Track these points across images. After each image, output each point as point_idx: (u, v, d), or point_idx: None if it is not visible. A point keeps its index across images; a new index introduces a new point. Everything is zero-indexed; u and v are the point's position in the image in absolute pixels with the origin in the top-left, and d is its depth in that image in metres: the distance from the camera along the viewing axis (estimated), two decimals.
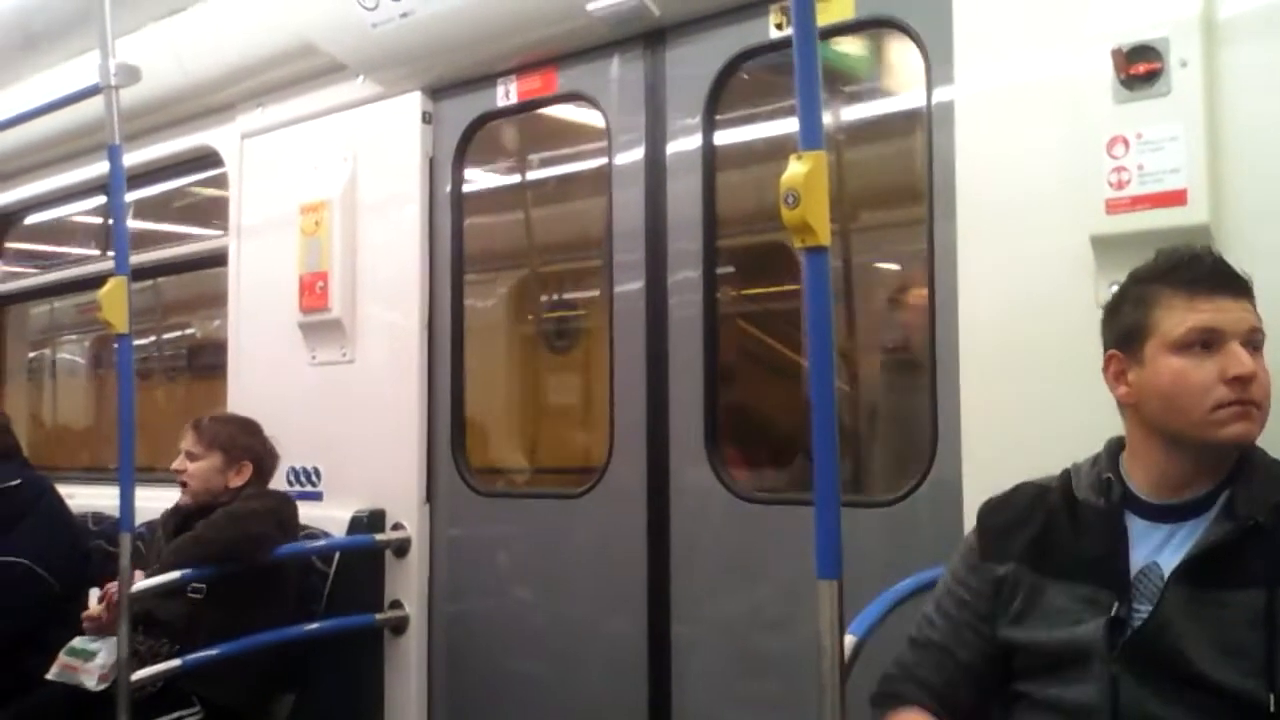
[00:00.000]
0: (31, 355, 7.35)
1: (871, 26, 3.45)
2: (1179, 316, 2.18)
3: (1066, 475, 2.38)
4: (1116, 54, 2.69)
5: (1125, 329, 2.28)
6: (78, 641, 3.94)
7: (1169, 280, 2.22)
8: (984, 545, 2.40)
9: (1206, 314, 2.16)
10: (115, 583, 3.75)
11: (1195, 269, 2.21)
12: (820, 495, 2.20)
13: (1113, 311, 2.34)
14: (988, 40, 3.04)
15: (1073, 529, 2.29)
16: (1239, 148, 2.60)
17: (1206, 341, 2.16)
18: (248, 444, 4.16)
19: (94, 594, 3.96)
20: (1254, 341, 2.17)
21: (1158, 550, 2.20)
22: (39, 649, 4.09)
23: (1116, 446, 2.34)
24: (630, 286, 3.88)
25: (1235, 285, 2.19)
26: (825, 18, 3.29)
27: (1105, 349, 2.33)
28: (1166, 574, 2.16)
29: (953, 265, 3.06)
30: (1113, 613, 2.15)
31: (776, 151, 2.67)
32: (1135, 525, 2.24)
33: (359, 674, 4.31)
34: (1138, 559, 2.20)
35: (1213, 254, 2.25)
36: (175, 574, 3.80)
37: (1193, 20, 2.64)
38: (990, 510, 2.44)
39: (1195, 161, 2.61)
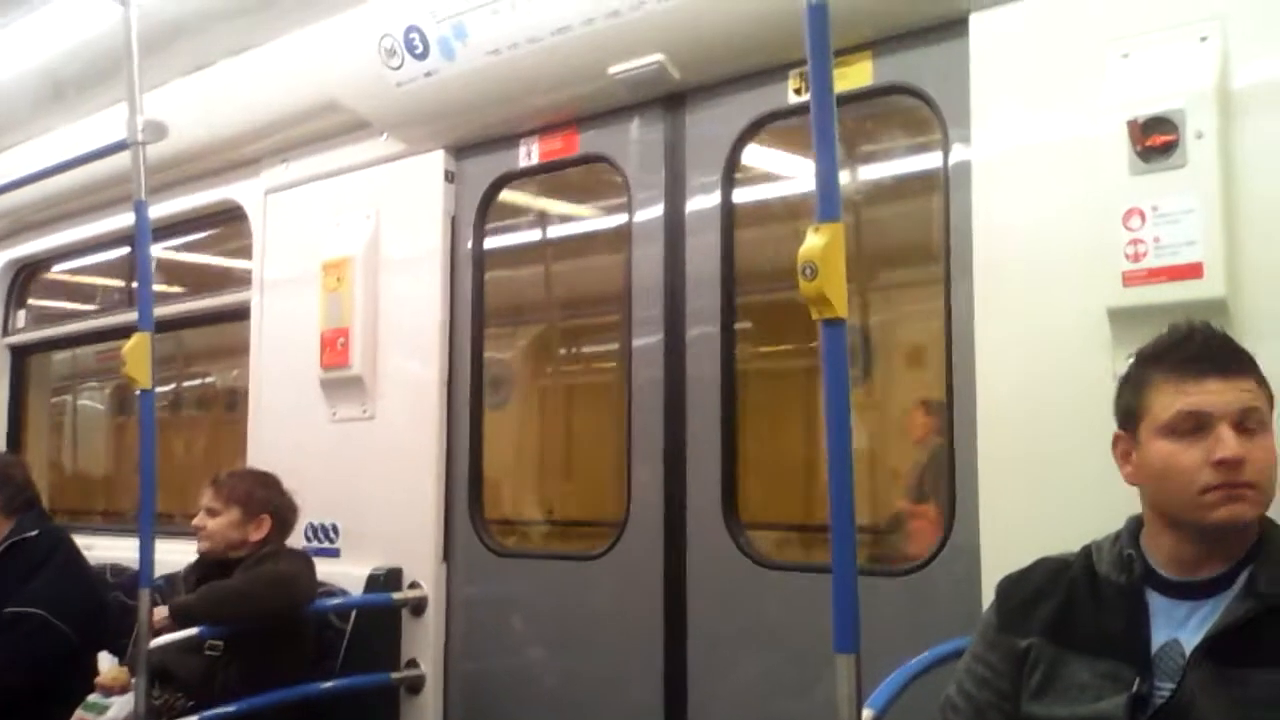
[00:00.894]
0: (53, 401, 7.39)
1: (889, 93, 3.45)
2: (1167, 400, 2.19)
3: (1087, 551, 2.37)
4: (1132, 125, 2.70)
5: (1124, 410, 2.30)
6: (93, 697, 3.94)
7: (1161, 362, 2.24)
8: (1004, 619, 2.38)
9: (1193, 397, 2.16)
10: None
11: (1185, 350, 2.22)
12: (838, 569, 2.20)
13: (1118, 391, 2.35)
14: (1004, 110, 3.05)
15: (1094, 604, 2.28)
16: (1256, 220, 2.59)
17: (1194, 425, 2.15)
18: (265, 498, 4.15)
19: (104, 657, 3.96)
20: (1248, 423, 2.15)
21: (1179, 627, 2.18)
22: (56, 701, 4.10)
23: (1136, 524, 2.32)
24: (648, 341, 3.88)
25: (1227, 365, 2.19)
26: (843, 84, 3.29)
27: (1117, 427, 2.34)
28: (1188, 651, 2.14)
29: (970, 332, 3.05)
30: (1134, 689, 2.13)
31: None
32: (1156, 602, 2.22)
33: None
34: (1159, 636, 2.19)
35: (1206, 333, 2.26)
36: (194, 630, 3.79)
37: (1208, 92, 2.64)
38: (1010, 584, 2.43)
39: (1212, 234, 2.60)
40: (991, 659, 2.37)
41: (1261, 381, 2.20)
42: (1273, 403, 2.21)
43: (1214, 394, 2.15)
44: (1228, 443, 2.11)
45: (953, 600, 3.02)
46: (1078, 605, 2.29)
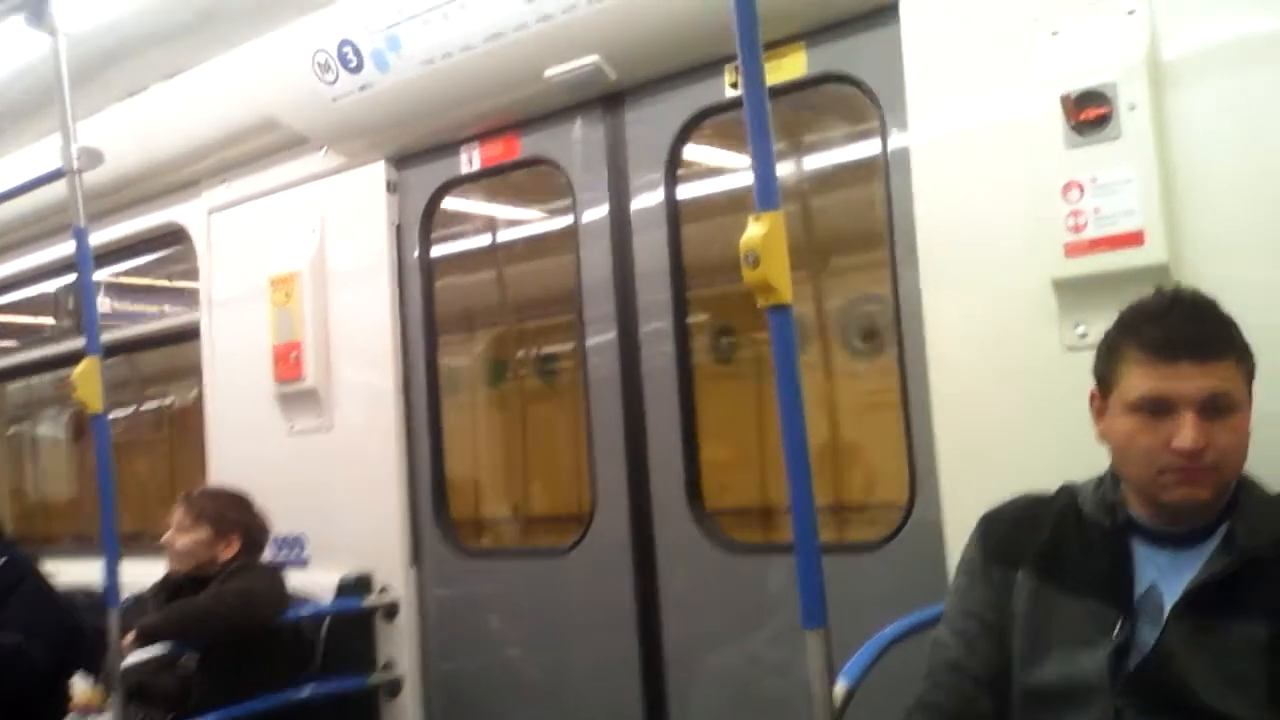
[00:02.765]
0: (13, 431, 7.35)
1: (823, 82, 3.49)
2: (1136, 379, 2.18)
3: (1070, 491, 2.39)
4: (1066, 100, 2.75)
5: (1099, 374, 2.30)
6: (71, 718, 3.95)
7: (1137, 336, 2.21)
8: (989, 552, 2.39)
9: (1161, 382, 2.14)
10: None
11: (1162, 327, 2.18)
12: (800, 547, 2.24)
13: (1098, 349, 2.33)
14: (939, 93, 3.10)
15: (1081, 543, 2.30)
16: (1193, 186, 2.66)
17: (1159, 408, 2.15)
18: (237, 518, 4.15)
19: (78, 679, 3.97)
20: (1217, 404, 2.13)
21: (1159, 574, 2.21)
22: None
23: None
24: (602, 339, 3.92)
25: (1203, 348, 2.15)
26: (777, 76, 3.36)
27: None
28: (1168, 599, 2.17)
29: (919, 313, 3.11)
30: (1114, 634, 2.17)
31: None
32: (1139, 547, 2.25)
33: None
34: (1141, 580, 2.22)
35: (1188, 307, 2.21)
36: (167, 646, 3.80)
37: (1138, 64, 2.70)
38: (992, 519, 2.44)
39: (1150, 202, 2.66)
40: (976, 592, 2.38)
41: (1242, 357, 2.18)
42: (1251, 375, 2.20)
43: (1183, 379, 2.13)
44: (1187, 433, 2.11)
45: (919, 574, 3.07)
46: (1066, 542, 2.31)
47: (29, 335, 6.61)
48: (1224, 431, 2.14)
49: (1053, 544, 2.32)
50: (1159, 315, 2.21)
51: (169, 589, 4.14)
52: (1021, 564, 2.33)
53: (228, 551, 4.10)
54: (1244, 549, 2.15)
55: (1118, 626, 2.18)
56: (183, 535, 4.10)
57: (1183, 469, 2.13)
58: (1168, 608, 2.17)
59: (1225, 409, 2.14)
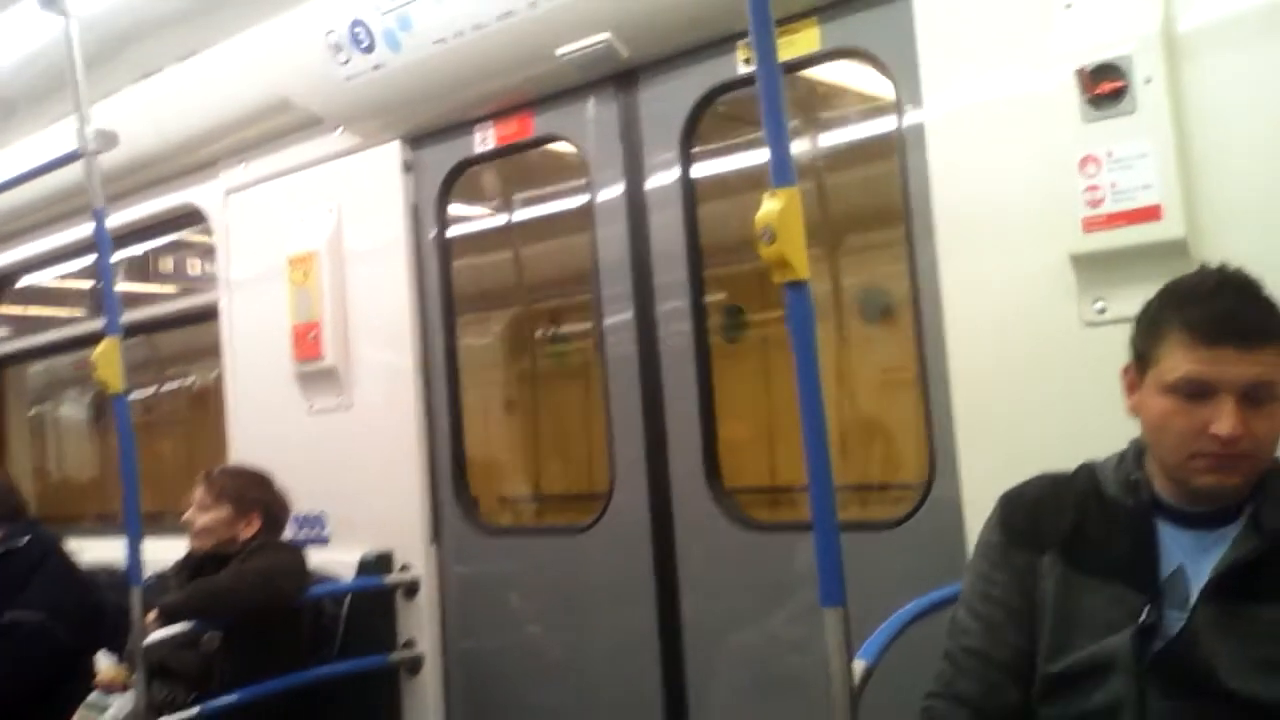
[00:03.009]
0: (36, 412, 7.39)
1: (838, 57, 3.48)
2: (1176, 360, 2.11)
3: (1090, 470, 2.35)
4: (1081, 74, 2.73)
5: (1137, 350, 2.23)
6: (93, 697, 3.98)
7: (1180, 315, 2.13)
8: (1010, 535, 2.34)
9: (1202, 366, 2.08)
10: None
11: (1207, 309, 2.11)
12: (818, 524, 2.22)
13: (1136, 320, 2.26)
14: (953, 67, 3.08)
15: (1104, 526, 2.25)
16: (1210, 160, 2.63)
17: (1198, 391, 2.09)
18: (257, 496, 4.18)
19: (102, 656, 3.99)
20: (1258, 394, 2.07)
21: (1185, 555, 2.18)
22: (57, 703, 4.14)
23: (1140, 448, 2.29)
24: (620, 318, 3.92)
25: (1249, 334, 2.07)
26: (791, 51, 3.36)
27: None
28: (1193, 580, 2.15)
29: (937, 290, 3.09)
30: (1142, 618, 2.14)
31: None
32: (1163, 528, 2.21)
33: (376, 715, 4.34)
34: (1167, 562, 2.19)
35: (1237, 289, 2.14)
36: (190, 624, 3.83)
37: (1154, 36, 2.67)
38: (1012, 500, 2.39)
39: (1167, 176, 2.64)
40: (999, 576, 2.33)
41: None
42: None
43: (1226, 364, 2.07)
44: (1225, 421, 2.06)
45: (938, 552, 3.06)
46: (1088, 524, 2.27)
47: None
48: (1262, 420, 2.09)
49: (1076, 527, 2.28)
50: (1206, 296, 2.13)
51: (190, 567, 4.15)
52: (1045, 549, 2.28)
53: (248, 530, 4.13)
54: (1272, 532, 2.12)
55: (1145, 611, 2.15)
56: (203, 514, 4.13)
57: (1216, 455, 2.09)
58: (1194, 590, 2.15)
59: (1265, 398, 2.08)
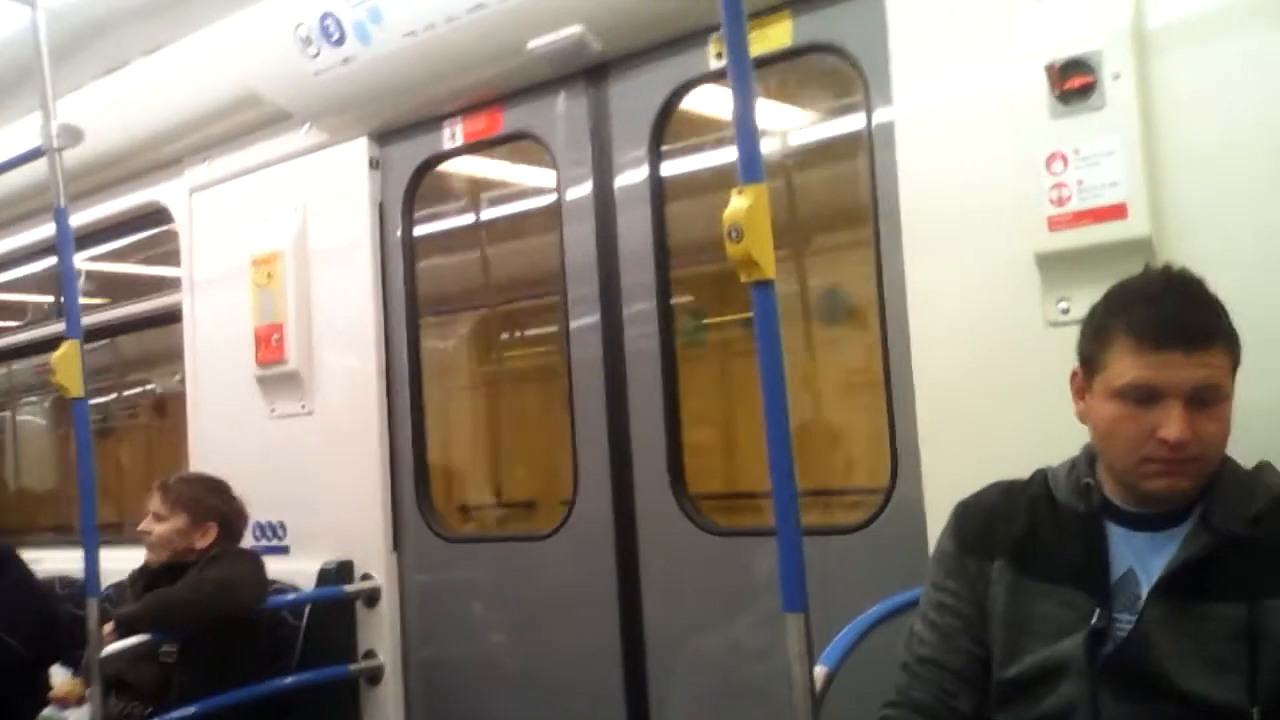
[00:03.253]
0: None
1: (809, 52, 3.44)
2: (1124, 366, 2.12)
3: (1043, 476, 2.35)
4: (1050, 69, 2.70)
5: (1083, 354, 2.24)
6: (49, 711, 3.91)
7: (1126, 319, 2.14)
8: (963, 542, 2.36)
9: (1149, 371, 2.09)
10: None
11: (1152, 313, 2.12)
12: (781, 529, 2.19)
13: (1082, 327, 2.27)
14: (924, 60, 3.04)
15: (1056, 531, 2.27)
16: (1177, 158, 2.60)
17: (1145, 396, 2.09)
18: (213, 504, 4.11)
19: (57, 670, 3.92)
20: (1204, 395, 2.08)
21: (1136, 557, 2.18)
22: (11, 717, 4.05)
23: (1092, 453, 2.30)
24: (586, 321, 3.87)
25: (1194, 336, 2.08)
26: (763, 46, 3.33)
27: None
28: (1144, 582, 2.14)
29: (902, 288, 3.05)
30: (1094, 621, 2.14)
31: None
32: (1115, 531, 2.22)
33: None
34: (1118, 565, 2.19)
35: (1180, 291, 2.15)
36: (146, 636, 3.75)
37: (1123, 32, 2.64)
38: (967, 508, 2.41)
39: (1134, 174, 2.61)
40: (952, 585, 2.35)
41: (1230, 343, 2.12)
42: (1237, 361, 2.14)
43: (1172, 369, 2.07)
44: (1173, 426, 2.06)
45: (901, 555, 3.02)
46: (1039, 529, 2.28)
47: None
48: (1209, 422, 2.10)
49: (1027, 534, 2.29)
50: (1151, 299, 2.14)
51: (147, 578, 4.09)
52: (997, 555, 2.30)
53: (205, 539, 4.07)
54: (1220, 530, 2.11)
55: (1095, 614, 2.14)
56: (159, 523, 4.06)
57: (1165, 460, 2.09)
58: (1145, 591, 2.14)
59: (1212, 400, 2.09)
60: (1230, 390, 2.13)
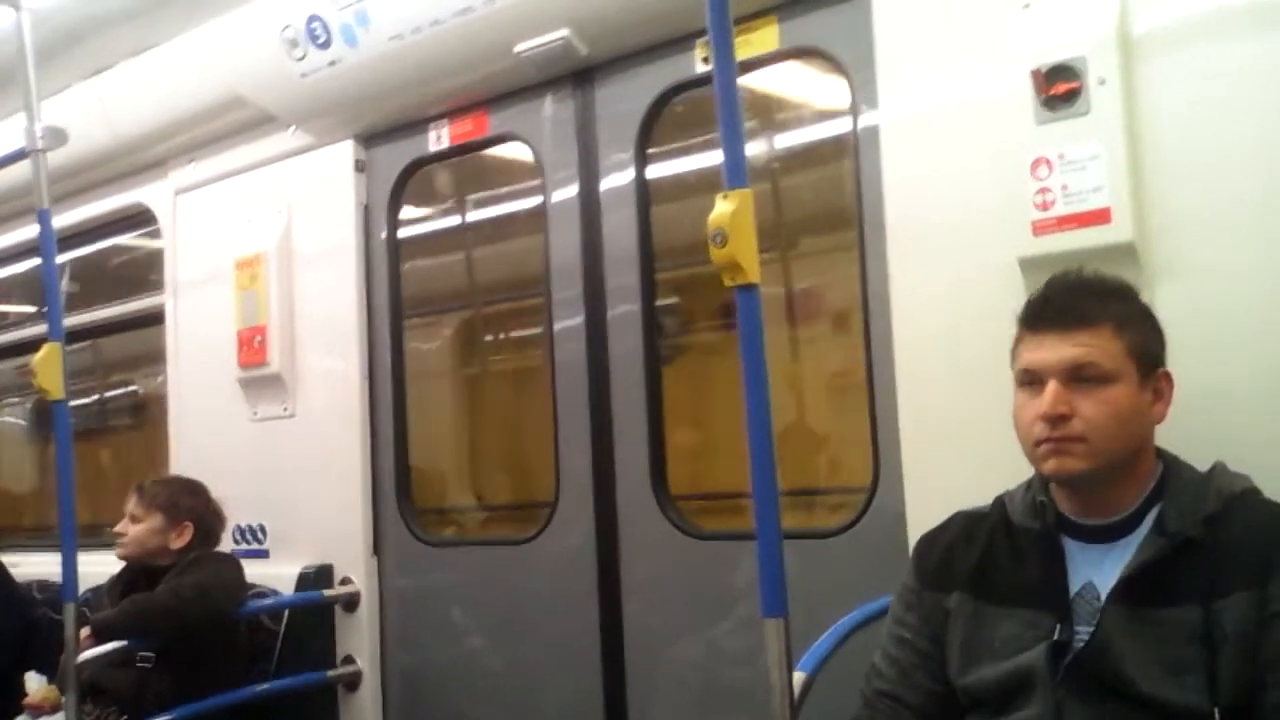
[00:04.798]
0: None
1: (796, 56, 3.45)
2: (1017, 354, 2.27)
3: (1000, 502, 2.39)
4: (1036, 75, 2.70)
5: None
6: (23, 718, 3.88)
7: (1023, 315, 2.29)
8: (921, 577, 2.40)
9: (1029, 354, 2.23)
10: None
11: (1037, 304, 2.27)
12: (762, 534, 2.19)
13: None
14: (910, 65, 3.04)
15: (1011, 553, 2.30)
16: (1160, 163, 2.60)
17: (1032, 380, 2.21)
18: (189, 506, 4.09)
19: (32, 677, 3.89)
20: (1084, 374, 2.17)
21: (1094, 570, 2.20)
22: None
23: None
24: (570, 323, 3.86)
25: (1067, 319, 2.20)
26: (749, 50, 3.34)
27: None
28: (1103, 594, 2.16)
29: (885, 293, 3.05)
30: (1055, 636, 2.15)
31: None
32: (1071, 546, 2.25)
33: None
34: (1076, 580, 2.21)
35: (1065, 283, 2.28)
36: (123, 642, 3.74)
37: (1109, 38, 2.64)
38: (926, 543, 2.45)
39: (1117, 179, 2.61)
40: (911, 619, 2.39)
41: (1124, 328, 2.20)
42: (1140, 349, 2.21)
43: (1046, 350, 2.19)
44: (1044, 399, 2.16)
45: (882, 560, 3.01)
46: (996, 555, 2.31)
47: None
48: (1089, 401, 2.17)
49: (984, 560, 2.33)
50: (1040, 294, 2.29)
51: (125, 582, 4.08)
52: (955, 588, 2.33)
53: (179, 539, 4.05)
54: (1174, 533, 2.14)
55: (1056, 630, 2.17)
56: (134, 524, 4.04)
57: (1050, 439, 2.17)
58: (1104, 601, 2.16)
59: (1093, 379, 2.17)
60: (1125, 374, 2.18)
